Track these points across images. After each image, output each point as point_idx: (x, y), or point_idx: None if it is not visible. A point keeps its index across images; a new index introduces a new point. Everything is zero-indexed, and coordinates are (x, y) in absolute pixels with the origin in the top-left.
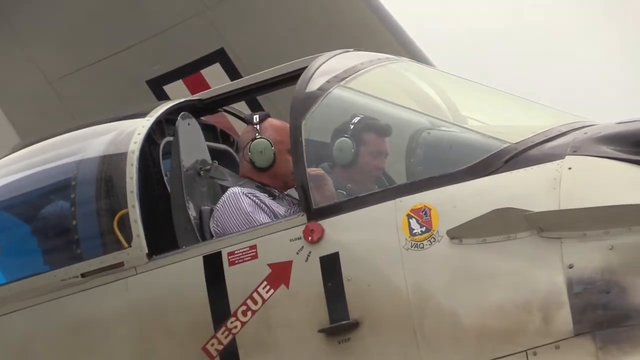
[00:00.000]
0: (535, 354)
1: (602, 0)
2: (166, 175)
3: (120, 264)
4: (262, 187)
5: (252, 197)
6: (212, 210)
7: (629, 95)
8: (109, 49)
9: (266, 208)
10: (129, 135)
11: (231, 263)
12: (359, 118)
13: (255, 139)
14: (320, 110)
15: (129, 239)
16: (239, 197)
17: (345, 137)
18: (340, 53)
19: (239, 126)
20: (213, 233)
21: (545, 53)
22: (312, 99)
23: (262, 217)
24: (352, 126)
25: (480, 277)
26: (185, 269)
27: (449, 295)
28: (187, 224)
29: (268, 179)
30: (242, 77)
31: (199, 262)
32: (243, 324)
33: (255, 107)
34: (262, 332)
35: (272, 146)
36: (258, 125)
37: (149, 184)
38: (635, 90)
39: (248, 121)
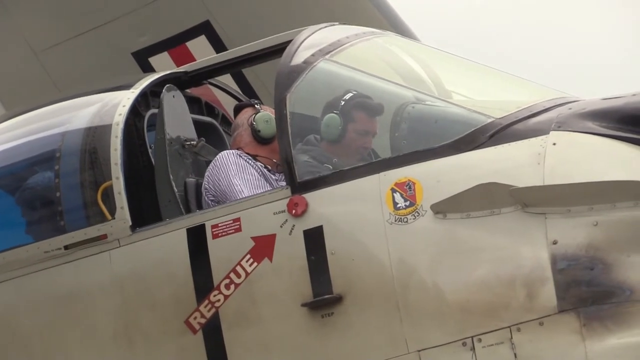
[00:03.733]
0: (519, 330)
1: None
2: (151, 148)
3: (104, 236)
4: (253, 159)
5: (244, 157)
6: (196, 182)
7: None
8: (95, 20)
9: (257, 167)
10: (113, 107)
11: (215, 236)
12: (351, 94)
13: (259, 112)
14: (305, 84)
15: (112, 211)
16: (231, 154)
17: (335, 113)
18: (326, 27)
19: (223, 99)
20: (203, 190)
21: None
22: (297, 72)
23: (252, 174)
24: (343, 102)
25: (464, 252)
26: (168, 242)
27: (432, 269)
28: (171, 197)
29: (267, 152)
30: (227, 49)
31: (183, 234)
32: (226, 297)
33: (240, 79)
34: (245, 305)
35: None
36: (259, 105)
37: (134, 156)
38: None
39: (246, 104)
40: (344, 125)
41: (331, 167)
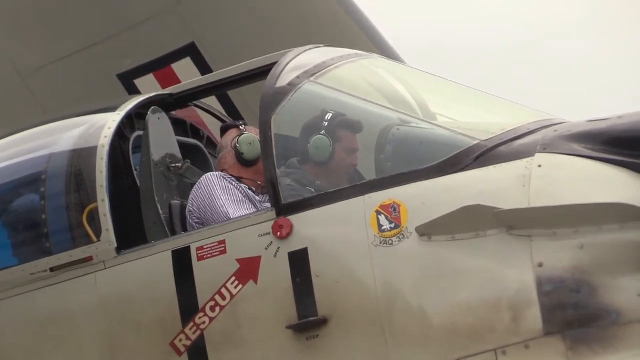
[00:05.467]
0: (504, 353)
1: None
2: (136, 170)
3: (89, 258)
4: (238, 181)
5: (228, 179)
6: (182, 205)
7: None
8: (80, 42)
9: (241, 189)
10: (99, 129)
11: (200, 258)
12: (331, 115)
13: (244, 134)
14: (290, 106)
15: (98, 233)
16: (215, 176)
17: (322, 134)
18: (311, 49)
19: (208, 121)
20: (187, 213)
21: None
22: (282, 94)
23: (236, 196)
24: (326, 123)
25: (450, 275)
26: (154, 264)
27: (418, 292)
28: (156, 219)
29: (251, 174)
30: (212, 71)
31: (168, 256)
32: (211, 319)
33: (225, 102)
34: (230, 327)
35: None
36: (244, 127)
37: (119, 178)
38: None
39: (232, 125)
40: (333, 146)
41: (313, 190)
